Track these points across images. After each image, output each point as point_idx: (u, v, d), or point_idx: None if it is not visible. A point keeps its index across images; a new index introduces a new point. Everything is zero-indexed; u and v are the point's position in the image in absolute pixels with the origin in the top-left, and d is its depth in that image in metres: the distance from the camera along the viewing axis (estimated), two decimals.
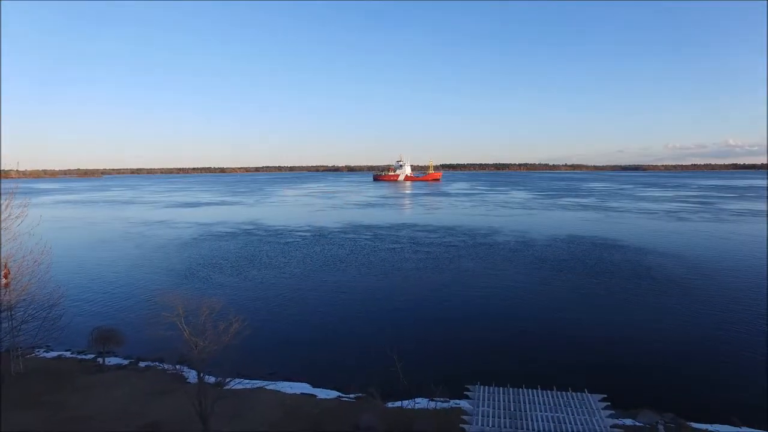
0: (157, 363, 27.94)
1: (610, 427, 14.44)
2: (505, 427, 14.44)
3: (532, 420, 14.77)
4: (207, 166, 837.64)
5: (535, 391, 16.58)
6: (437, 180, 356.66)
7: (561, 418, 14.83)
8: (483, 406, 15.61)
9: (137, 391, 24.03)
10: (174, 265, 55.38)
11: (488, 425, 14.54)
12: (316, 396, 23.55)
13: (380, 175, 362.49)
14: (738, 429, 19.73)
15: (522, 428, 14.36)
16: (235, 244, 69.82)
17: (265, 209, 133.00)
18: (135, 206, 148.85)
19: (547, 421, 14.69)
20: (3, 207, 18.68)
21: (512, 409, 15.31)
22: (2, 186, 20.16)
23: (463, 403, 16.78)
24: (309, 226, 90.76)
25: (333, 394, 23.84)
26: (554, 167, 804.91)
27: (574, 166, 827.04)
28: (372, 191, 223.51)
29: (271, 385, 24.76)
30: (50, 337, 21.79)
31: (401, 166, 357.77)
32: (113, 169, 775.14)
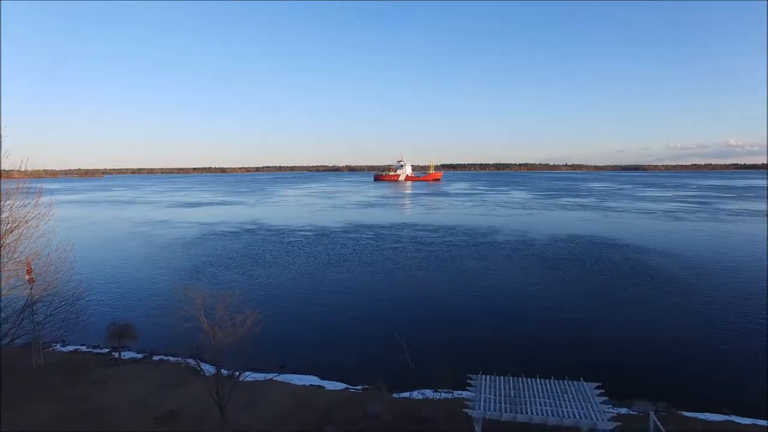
0: (170, 357, 28.95)
1: (604, 411, 15.45)
2: (505, 411, 15.46)
3: (530, 405, 15.79)
4: (207, 166, 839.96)
5: (533, 379, 17.59)
6: (438, 180, 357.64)
7: (558, 403, 15.85)
8: (485, 393, 16.63)
9: (153, 384, 25.04)
10: (180, 264, 56.42)
11: (490, 410, 15.56)
12: (324, 387, 24.57)
13: (381, 175, 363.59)
14: (727, 417, 20.74)
15: (521, 412, 15.39)
16: (238, 243, 70.85)
17: (267, 209, 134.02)
18: (137, 206, 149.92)
19: (545, 406, 15.71)
20: (31, 205, 19.71)
21: (512, 395, 16.33)
22: (25, 186, 21.16)
23: (466, 394, 17.75)
24: (311, 225, 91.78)
25: (340, 386, 24.85)
26: (554, 167, 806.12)
27: (574, 166, 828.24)
28: (373, 191, 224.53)
29: (280, 378, 25.78)
30: (69, 332, 22.78)
31: (402, 166, 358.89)
32: (114, 169, 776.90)
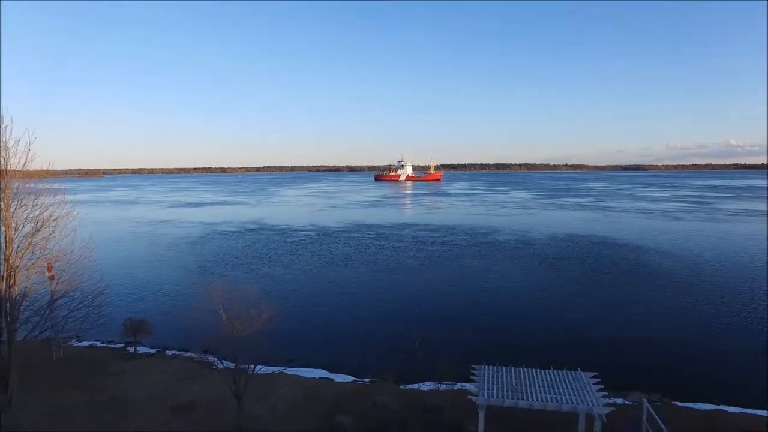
0: (182, 352, 30.03)
1: (600, 398, 16.53)
2: (507, 398, 16.53)
3: (531, 392, 16.86)
4: (207, 165, 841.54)
5: (533, 370, 18.66)
6: (438, 180, 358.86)
7: (556, 391, 16.92)
8: (487, 382, 17.70)
9: (169, 376, 26.10)
10: (187, 263, 57.51)
11: (493, 397, 16.64)
12: (333, 380, 25.67)
13: (382, 175, 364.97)
14: (717, 406, 21.87)
15: (522, 399, 16.47)
16: (242, 243, 71.94)
17: (269, 209, 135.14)
18: (140, 206, 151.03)
19: (544, 393, 16.78)
20: (58, 203, 20.77)
21: (514, 384, 17.40)
22: (51, 186, 22.22)
23: (470, 385, 18.79)
24: (313, 225, 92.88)
25: (348, 378, 25.94)
26: (555, 167, 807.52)
27: (574, 166, 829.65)
28: (373, 191, 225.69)
29: (290, 371, 26.83)
30: (91, 327, 23.76)
31: (402, 166, 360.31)
32: (114, 169, 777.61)
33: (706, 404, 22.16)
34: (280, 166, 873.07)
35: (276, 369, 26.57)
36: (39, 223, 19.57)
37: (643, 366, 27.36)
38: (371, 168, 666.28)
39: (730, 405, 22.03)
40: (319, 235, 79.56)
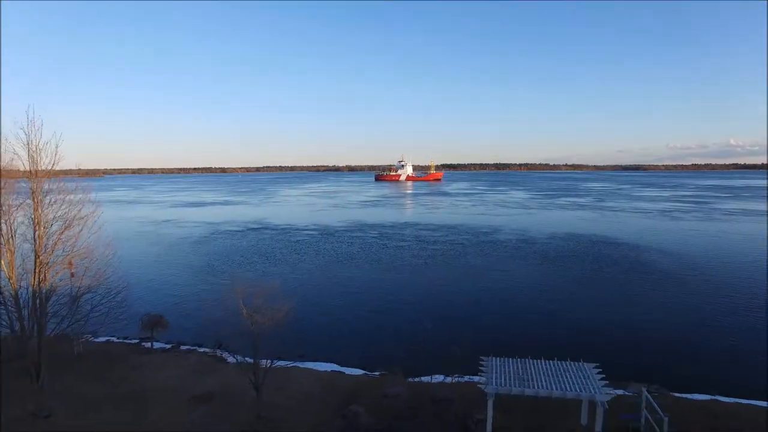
0: (196, 347, 30.99)
1: (602, 386, 17.54)
2: (515, 386, 17.54)
3: (536, 381, 17.87)
4: (207, 166, 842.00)
5: (538, 361, 19.68)
6: (439, 180, 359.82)
7: (561, 380, 17.93)
8: (496, 372, 18.71)
9: (185, 370, 27.05)
10: (194, 262, 58.45)
11: (501, 385, 17.64)
12: (344, 372, 26.67)
13: (382, 175, 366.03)
14: (712, 396, 22.90)
15: (529, 387, 17.47)
16: (247, 242, 72.88)
17: (271, 209, 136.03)
18: (142, 206, 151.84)
19: (549, 382, 17.80)
20: (83, 203, 21.74)
21: (520, 374, 18.41)
22: (82, 185, 23.14)
23: (477, 378, 19.77)
24: (316, 225, 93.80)
25: (359, 371, 26.95)
26: (554, 167, 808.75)
27: (574, 166, 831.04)
28: (374, 191, 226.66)
29: (302, 365, 27.80)
30: (110, 323, 24.64)
31: (403, 166, 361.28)
32: (114, 169, 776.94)
33: (703, 395, 23.20)
34: (280, 166, 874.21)
35: (289, 363, 27.57)
36: (66, 222, 20.53)
37: (642, 359, 28.39)
38: (371, 168, 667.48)
39: (725, 396, 23.06)
40: (323, 234, 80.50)
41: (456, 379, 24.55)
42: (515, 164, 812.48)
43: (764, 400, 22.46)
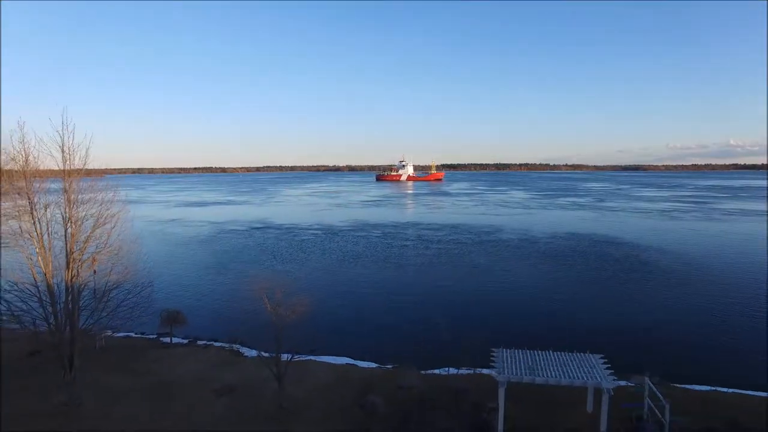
0: (213, 342, 32.06)
1: (607, 375, 18.64)
2: (525, 375, 18.64)
3: (546, 370, 18.97)
4: (208, 165, 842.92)
5: (547, 352, 20.78)
6: (440, 180, 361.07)
7: (568, 369, 19.02)
8: (506, 362, 19.81)
9: (204, 364, 28.10)
10: (204, 260, 59.53)
11: (513, 374, 18.74)
12: (358, 366, 27.73)
13: (383, 174, 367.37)
14: (712, 388, 24.01)
15: (538, 375, 18.57)
16: (253, 241, 73.97)
17: (273, 208, 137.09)
18: (146, 205, 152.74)
19: (558, 371, 18.89)
20: (113, 202, 22.84)
21: (530, 364, 19.51)
22: (107, 183, 24.21)
23: (487, 371, 20.84)
24: (319, 224, 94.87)
25: (373, 364, 28.01)
26: (555, 167, 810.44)
27: (574, 166, 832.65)
28: (375, 191, 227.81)
29: (318, 359, 28.89)
30: (137, 316, 25.65)
31: (404, 166, 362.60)
32: (114, 169, 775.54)
33: (704, 386, 24.32)
34: (280, 166, 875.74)
35: (305, 357, 28.67)
36: (98, 219, 21.62)
37: (645, 351, 29.48)
38: (372, 168, 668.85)
39: (726, 387, 24.19)
40: (327, 234, 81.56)
41: (467, 371, 25.61)
42: (515, 164, 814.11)
43: (764, 392, 23.55)
